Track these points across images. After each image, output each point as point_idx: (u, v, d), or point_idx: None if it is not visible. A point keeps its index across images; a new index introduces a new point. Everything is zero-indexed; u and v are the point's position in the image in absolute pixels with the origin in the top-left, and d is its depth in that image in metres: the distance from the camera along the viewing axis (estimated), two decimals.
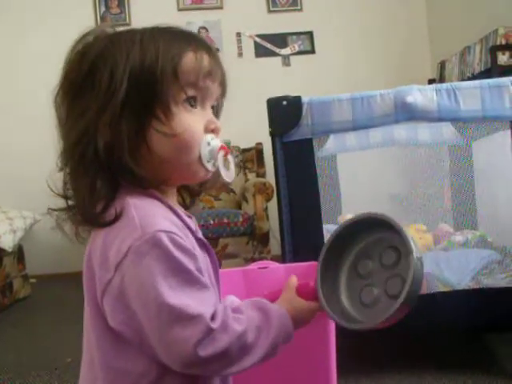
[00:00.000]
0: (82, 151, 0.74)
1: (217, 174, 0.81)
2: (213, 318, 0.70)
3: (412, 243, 0.79)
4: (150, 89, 0.74)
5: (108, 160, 0.73)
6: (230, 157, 0.82)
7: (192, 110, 0.78)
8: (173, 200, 0.82)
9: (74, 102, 0.77)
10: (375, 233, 0.87)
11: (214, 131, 0.80)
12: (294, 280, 0.90)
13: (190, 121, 0.77)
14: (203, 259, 0.79)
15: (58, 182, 0.77)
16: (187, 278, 0.70)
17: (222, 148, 0.79)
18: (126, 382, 0.74)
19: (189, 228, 0.78)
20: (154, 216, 0.72)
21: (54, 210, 0.78)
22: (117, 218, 0.73)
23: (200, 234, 0.82)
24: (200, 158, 0.77)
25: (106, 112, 0.74)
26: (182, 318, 0.68)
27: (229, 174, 0.82)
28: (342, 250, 0.90)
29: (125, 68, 0.74)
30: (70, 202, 0.77)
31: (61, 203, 0.78)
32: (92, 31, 0.79)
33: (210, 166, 0.79)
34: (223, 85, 0.84)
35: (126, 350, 0.73)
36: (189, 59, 0.77)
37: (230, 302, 0.84)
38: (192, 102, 0.78)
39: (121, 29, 0.81)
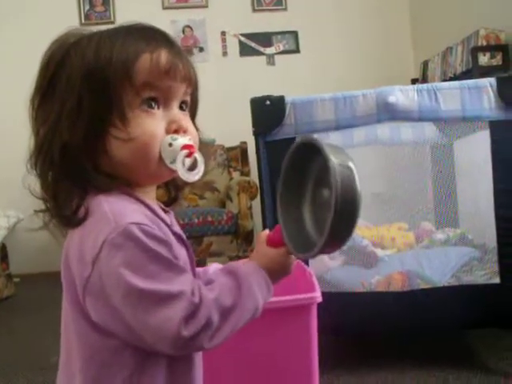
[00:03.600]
0: (45, 154, 0.75)
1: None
2: (192, 293, 0.71)
3: (327, 152, 0.73)
4: (104, 94, 0.74)
5: (67, 166, 0.74)
6: (197, 155, 0.78)
7: (151, 112, 0.76)
8: (148, 196, 0.82)
9: (40, 107, 0.78)
10: (319, 157, 0.79)
11: (177, 131, 0.77)
12: (263, 234, 0.87)
13: (148, 123, 0.75)
14: (180, 252, 0.79)
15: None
16: (163, 265, 0.70)
17: (184, 147, 0.76)
18: (106, 375, 0.75)
19: (163, 221, 0.79)
20: (125, 209, 0.73)
21: (39, 211, 0.78)
22: (87, 215, 0.74)
23: (176, 228, 0.82)
24: (162, 159, 0.76)
25: (62, 117, 0.74)
26: (163, 299, 0.69)
27: (191, 175, 0.78)
28: (297, 182, 0.85)
29: (79, 71, 0.75)
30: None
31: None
32: (59, 37, 0.79)
33: (174, 167, 0.76)
34: (188, 80, 0.80)
35: (108, 343, 0.74)
36: (144, 60, 0.75)
37: (207, 271, 0.89)
38: (152, 103, 0.76)
39: (89, 30, 0.80)
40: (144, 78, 0.75)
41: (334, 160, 0.73)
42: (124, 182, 0.78)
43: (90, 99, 0.74)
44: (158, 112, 0.77)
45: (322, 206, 0.81)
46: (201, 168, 0.79)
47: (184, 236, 0.84)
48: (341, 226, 0.72)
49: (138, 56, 0.75)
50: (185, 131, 0.79)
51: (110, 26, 0.81)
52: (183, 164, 0.77)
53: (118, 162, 0.76)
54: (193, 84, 0.82)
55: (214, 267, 0.97)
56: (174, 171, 0.77)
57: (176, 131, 0.77)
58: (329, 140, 2.25)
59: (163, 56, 0.76)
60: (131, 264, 0.69)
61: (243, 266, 0.80)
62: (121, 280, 0.69)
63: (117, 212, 0.72)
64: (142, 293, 0.68)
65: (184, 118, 0.80)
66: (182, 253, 0.81)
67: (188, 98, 0.82)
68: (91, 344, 0.75)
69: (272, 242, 0.84)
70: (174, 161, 0.76)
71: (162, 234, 0.73)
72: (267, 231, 0.88)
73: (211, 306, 0.71)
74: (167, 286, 0.69)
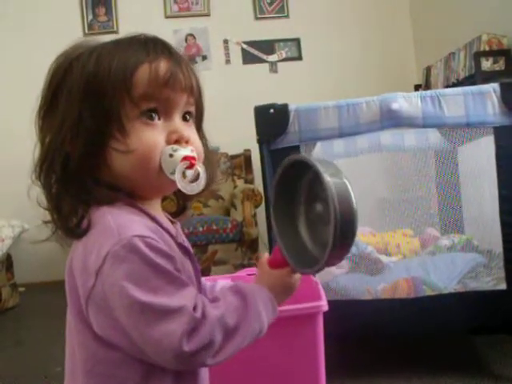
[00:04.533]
0: (48, 168, 0.76)
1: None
2: (195, 308, 0.70)
3: (319, 167, 0.74)
4: (103, 106, 0.74)
5: (69, 178, 0.75)
6: (199, 167, 0.78)
7: (151, 124, 0.76)
8: (152, 207, 0.82)
9: (44, 119, 0.79)
10: (309, 173, 0.80)
11: (178, 141, 0.77)
12: (263, 258, 0.87)
13: (148, 135, 0.75)
14: (184, 264, 0.79)
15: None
16: (166, 279, 0.70)
17: (185, 159, 0.75)
18: None
19: (168, 232, 0.79)
20: (129, 221, 0.73)
21: (48, 222, 0.79)
22: (90, 226, 0.74)
23: (181, 240, 0.82)
24: (163, 170, 0.75)
25: (63, 130, 0.75)
26: (165, 313, 0.68)
27: (190, 186, 0.77)
28: (289, 200, 0.85)
29: (78, 86, 0.75)
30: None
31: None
32: (65, 51, 0.80)
33: (174, 178, 0.75)
34: (190, 90, 0.79)
35: (111, 355, 0.74)
36: (142, 71, 0.75)
37: (214, 288, 0.90)
38: (152, 115, 0.76)
39: (95, 42, 0.80)
40: (142, 90, 0.75)
41: (327, 174, 0.73)
42: (126, 194, 0.78)
43: (90, 111, 0.74)
44: (159, 123, 0.77)
45: (318, 221, 0.81)
46: (201, 180, 0.78)
47: (189, 247, 0.84)
48: (342, 237, 0.73)
49: (137, 67, 0.75)
50: (187, 141, 0.78)
51: (114, 36, 0.81)
52: (183, 175, 0.76)
53: (119, 174, 0.76)
54: (195, 93, 0.81)
55: (221, 284, 0.96)
56: (174, 183, 0.76)
57: (177, 141, 0.77)
58: (332, 147, 2.25)
59: (162, 66, 0.76)
60: (134, 277, 0.69)
61: (250, 286, 0.79)
62: (123, 293, 0.69)
63: (121, 224, 0.72)
64: (144, 306, 0.68)
65: (186, 129, 0.79)
66: (186, 265, 0.81)
67: (192, 109, 0.82)
68: (94, 355, 0.75)
69: (274, 264, 0.83)
70: (173, 171, 0.75)
71: (166, 248, 0.73)
72: (267, 255, 0.88)
73: (215, 325, 0.71)
74: (169, 300, 0.69)
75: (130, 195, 0.78)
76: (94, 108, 0.74)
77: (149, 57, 0.76)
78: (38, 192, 0.78)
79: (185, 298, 0.70)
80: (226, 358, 0.72)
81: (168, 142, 0.76)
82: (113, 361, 0.74)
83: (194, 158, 0.77)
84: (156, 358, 0.71)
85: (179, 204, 0.90)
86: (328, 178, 0.73)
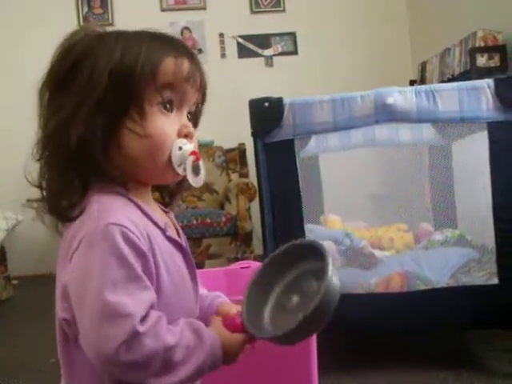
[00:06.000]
0: (56, 144, 0.76)
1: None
2: (142, 320, 0.69)
3: (330, 270, 0.76)
4: (127, 88, 0.76)
5: (79, 155, 0.75)
6: (200, 163, 0.82)
7: (166, 114, 0.79)
8: (144, 198, 0.83)
9: (55, 94, 0.79)
10: (305, 264, 0.85)
11: (187, 136, 0.81)
12: (218, 316, 0.86)
13: (164, 123, 0.78)
14: (171, 256, 0.79)
15: (35, 174, 0.79)
16: (130, 274, 0.70)
17: (192, 153, 0.80)
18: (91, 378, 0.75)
19: (157, 225, 0.79)
20: (112, 210, 0.73)
21: (33, 200, 0.79)
22: (80, 213, 0.75)
23: (170, 233, 0.81)
24: (170, 160, 0.78)
25: (82, 108, 0.75)
26: (112, 314, 0.67)
27: (197, 180, 0.82)
28: (275, 273, 0.86)
29: (105, 66, 0.76)
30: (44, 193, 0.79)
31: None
32: (80, 29, 0.81)
33: (180, 170, 0.79)
34: (202, 91, 0.84)
35: (75, 349, 0.74)
36: (169, 63, 0.78)
37: (211, 299, 0.89)
38: (168, 105, 0.79)
39: (110, 30, 0.83)
40: (167, 79, 0.78)
41: (333, 277, 0.76)
42: (123, 180, 0.78)
43: (113, 93, 0.75)
44: (172, 115, 0.80)
45: (287, 307, 0.83)
46: (203, 174, 0.83)
47: (181, 241, 0.84)
48: (298, 338, 0.78)
49: (164, 58, 0.78)
50: (191, 138, 0.82)
51: (110, 29, 0.83)
52: (191, 169, 0.80)
53: (129, 155, 0.77)
54: (203, 96, 0.86)
55: (210, 297, 0.93)
56: (177, 174, 0.80)
57: (185, 136, 0.80)
58: (327, 141, 2.26)
59: (186, 64, 0.80)
60: (97, 266, 0.69)
61: (208, 333, 0.77)
62: (85, 278, 0.69)
63: (103, 211, 0.73)
64: (98, 298, 0.68)
65: (191, 126, 0.83)
66: (176, 259, 0.81)
67: (193, 108, 0.85)
68: (69, 356, 0.76)
69: (229, 327, 0.81)
70: (180, 164, 0.79)
71: (142, 245, 0.72)
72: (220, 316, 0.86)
73: (160, 348, 0.69)
74: (122, 303, 0.68)
75: (126, 182, 0.79)
76: (119, 89, 0.75)
77: (173, 51, 0.79)
78: (30, 172, 0.78)
79: (138, 303, 0.69)
80: None
81: (178, 135, 0.80)
82: (86, 364, 0.73)
83: (198, 153, 0.81)
84: (88, 352, 0.70)
85: (164, 199, 0.91)
86: (332, 281, 0.75)
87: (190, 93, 0.81)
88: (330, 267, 0.76)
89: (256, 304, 0.84)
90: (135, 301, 0.69)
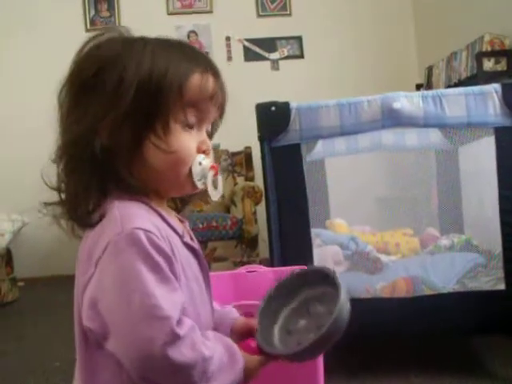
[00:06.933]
0: (79, 151, 0.75)
1: (204, 190, 0.84)
2: (178, 323, 0.70)
3: (343, 295, 0.83)
4: (155, 102, 0.76)
5: (102, 164, 0.75)
6: (219, 176, 0.85)
7: (189, 130, 0.80)
8: (162, 206, 0.83)
9: (78, 100, 0.78)
10: (307, 290, 0.92)
11: (205, 152, 0.82)
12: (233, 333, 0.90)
13: (186, 140, 0.79)
14: (188, 263, 0.80)
15: (52, 177, 0.79)
16: (161, 277, 0.70)
17: (212, 168, 0.83)
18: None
19: (175, 231, 0.80)
20: (135, 215, 0.74)
21: (49, 203, 0.79)
22: (101, 219, 0.75)
23: (187, 239, 0.83)
24: (190, 175, 0.80)
25: (108, 117, 0.75)
26: (153, 315, 0.68)
27: (215, 193, 0.85)
28: (279, 305, 0.93)
29: (134, 76, 0.75)
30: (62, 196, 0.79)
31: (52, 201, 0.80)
32: (105, 32, 0.81)
33: (199, 184, 0.81)
34: (222, 108, 0.86)
35: (96, 353, 0.74)
36: (195, 80, 0.78)
37: (221, 316, 0.91)
38: (190, 122, 0.80)
39: (134, 35, 0.82)
40: (193, 97, 0.79)
41: (345, 299, 0.83)
42: (143, 193, 0.79)
43: (140, 105, 0.75)
44: (193, 132, 0.81)
45: (296, 327, 0.90)
46: (221, 187, 0.86)
47: (197, 247, 0.85)
48: (311, 351, 0.82)
49: (192, 74, 0.78)
50: (208, 154, 0.83)
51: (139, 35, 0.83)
52: (211, 183, 0.83)
53: (152, 169, 0.78)
54: (223, 113, 0.87)
55: (226, 312, 0.97)
56: (196, 188, 0.82)
57: (204, 152, 0.82)
58: (334, 145, 2.26)
59: (210, 81, 0.80)
60: (129, 270, 0.69)
61: (240, 354, 0.80)
62: (123, 279, 0.69)
63: (125, 217, 0.73)
64: (144, 297, 0.68)
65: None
66: (192, 264, 0.82)
67: (210, 126, 0.87)
68: (90, 360, 0.75)
69: (249, 350, 0.85)
70: (200, 179, 0.81)
71: (167, 248, 0.73)
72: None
73: (199, 358, 0.70)
74: (162, 304, 0.68)
75: (145, 192, 0.79)
76: (147, 101, 0.75)
77: (199, 67, 0.79)
78: (48, 175, 0.78)
79: (173, 306, 0.70)
80: None
81: (198, 151, 0.81)
82: (100, 360, 0.74)
83: (216, 168, 0.84)
84: (125, 356, 0.69)
85: (177, 206, 0.92)
86: (345, 310, 0.83)
87: (211, 111, 0.83)
88: (343, 290, 0.82)
89: (266, 328, 0.89)
90: (171, 303, 0.70)
